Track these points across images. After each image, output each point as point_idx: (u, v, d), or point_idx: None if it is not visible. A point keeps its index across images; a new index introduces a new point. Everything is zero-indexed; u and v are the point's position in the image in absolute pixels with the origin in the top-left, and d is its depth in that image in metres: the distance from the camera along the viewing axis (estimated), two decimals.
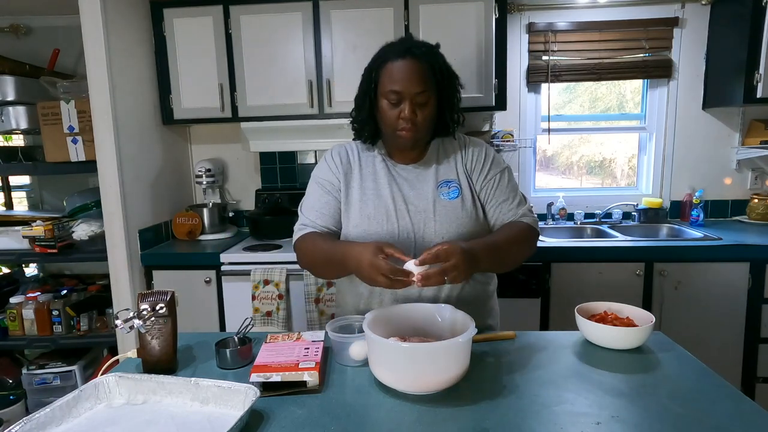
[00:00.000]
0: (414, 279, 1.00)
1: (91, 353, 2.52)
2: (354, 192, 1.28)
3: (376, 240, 1.16)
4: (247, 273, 2.18)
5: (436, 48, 1.24)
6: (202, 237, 2.58)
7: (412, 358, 0.93)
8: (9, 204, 2.89)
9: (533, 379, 0.99)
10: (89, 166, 2.21)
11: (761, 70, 2.26)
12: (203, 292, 2.28)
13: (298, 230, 1.31)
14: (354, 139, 1.35)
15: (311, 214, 1.30)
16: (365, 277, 1.04)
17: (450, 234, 1.22)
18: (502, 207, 1.27)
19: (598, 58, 2.62)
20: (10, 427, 0.80)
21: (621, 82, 2.79)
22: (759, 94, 2.27)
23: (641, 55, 2.63)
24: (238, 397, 0.90)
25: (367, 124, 1.27)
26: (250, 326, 1.19)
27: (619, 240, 2.35)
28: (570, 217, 2.73)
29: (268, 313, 2.17)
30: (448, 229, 1.22)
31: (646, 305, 2.18)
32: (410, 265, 1.01)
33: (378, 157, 1.31)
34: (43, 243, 2.27)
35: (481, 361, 1.08)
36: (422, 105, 1.18)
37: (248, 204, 2.87)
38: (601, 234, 2.54)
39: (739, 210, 2.71)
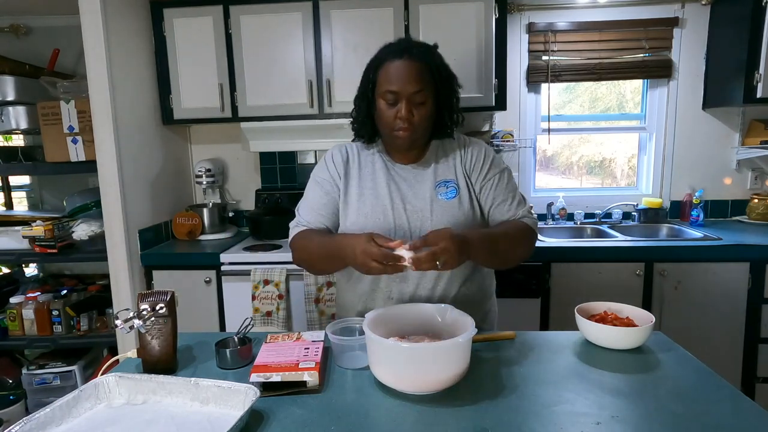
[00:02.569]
0: (406, 263, 1.01)
1: (91, 353, 2.52)
2: (352, 191, 1.29)
3: None
4: (247, 273, 2.18)
5: (434, 48, 1.24)
6: (202, 237, 2.58)
7: (412, 358, 0.93)
8: (9, 204, 2.89)
9: (533, 379, 0.99)
10: (89, 166, 2.21)
11: (761, 70, 2.26)
12: (203, 292, 2.28)
13: (293, 228, 1.33)
14: (354, 140, 1.35)
15: (308, 215, 1.31)
16: (359, 264, 1.05)
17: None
18: (501, 207, 1.28)
19: (598, 58, 2.62)
20: (10, 427, 0.80)
21: (621, 82, 2.79)
22: (759, 94, 2.28)
23: (641, 55, 2.63)
24: (238, 397, 0.90)
25: (365, 125, 1.28)
26: (250, 326, 1.19)
27: (619, 240, 2.35)
28: (570, 217, 2.73)
29: (268, 313, 2.17)
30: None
31: (646, 305, 2.18)
32: (402, 251, 1.03)
33: (377, 157, 1.31)
34: (43, 243, 2.27)
35: (481, 361, 1.08)
36: (419, 104, 1.18)
37: (248, 204, 2.87)
38: (601, 234, 2.54)
39: (739, 210, 2.71)
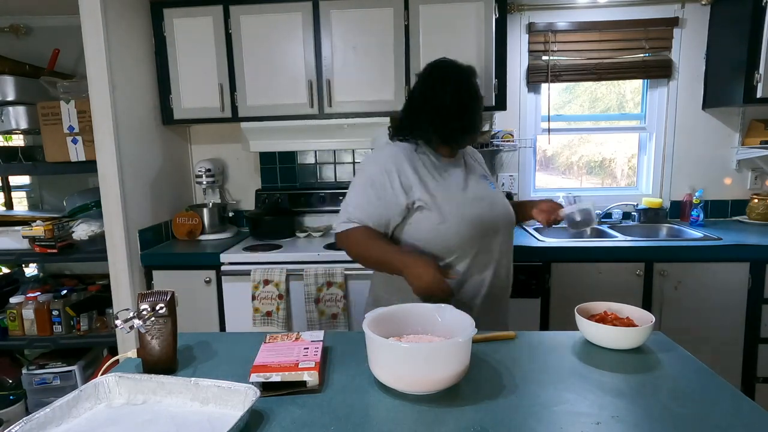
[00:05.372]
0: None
1: (91, 353, 2.52)
2: (431, 185, 1.37)
3: (472, 219, 1.34)
4: (247, 273, 2.18)
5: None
6: (202, 237, 2.58)
7: (412, 358, 0.92)
8: (9, 204, 2.89)
9: (533, 379, 0.99)
10: (89, 166, 2.21)
11: (761, 70, 2.26)
12: (203, 292, 2.28)
13: (345, 223, 1.37)
14: (399, 140, 1.44)
15: (359, 214, 1.36)
16: (422, 288, 1.23)
17: (510, 213, 1.46)
18: None
19: (598, 58, 2.62)
20: (10, 427, 0.80)
21: (621, 82, 2.79)
22: (759, 94, 2.28)
23: (641, 55, 2.63)
24: (238, 397, 0.90)
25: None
26: None
27: (619, 240, 2.35)
28: None
29: (268, 313, 2.17)
30: (508, 208, 1.46)
31: (646, 305, 2.18)
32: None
33: (431, 155, 1.43)
34: (43, 243, 2.27)
35: (481, 361, 1.08)
36: None
37: (248, 204, 2.87)
38: (601, 234, 2.53)
39: (739, 210, 2.71)
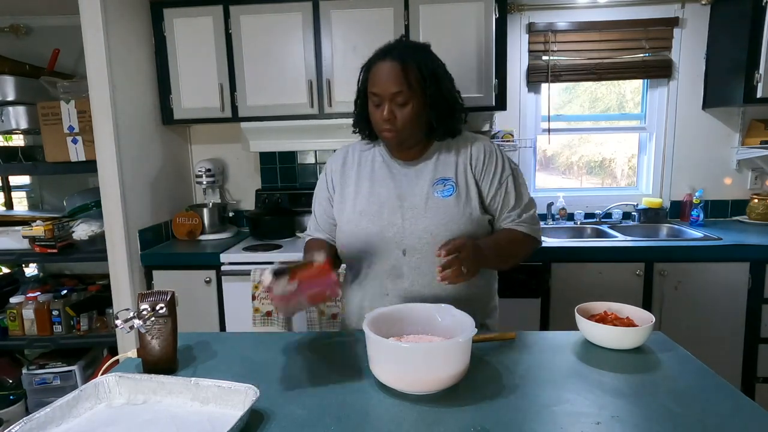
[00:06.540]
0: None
1: (91, 353, 2.52)
2: (349, 190, 1.31)
3: (366, 235, 1.25)
4: (247, 273, 2.18)
5: (423, 47, 1.24)
6: (202, 237, 2.58)
7: (412, 358, 0.92)
8: (9, 204, 2.89)
9: (533, 379, 0.99)
10: (89, 166, 2.21)
11: (761, 70, 2.26)
12: (203, 292, 2.28)
13: (305, 235, 1.46)
14: (361, 138, 1.37)
15: (312, 224, 1.42)
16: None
17: (440, 230, 1.21)
18: (508, 214, 1.29)
19: (598, 58, 2.62)
20: (10, 427, 0.80)
21: (621, 82, 2.79)
22: (759, 94, 2.27)
23: (641, 55, 2.63)
24: (238, 397, 0.90)
25: (361, 125, 1.32)
26: None
27: (619, 240, 2.35)
28: (570, 217, 2.73)
29: (268, 313, 2.17)
30: (438, 226, 1.21)
31: (646, 305, 2.18)
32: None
33: (378, 157, 1.33)
34: (43, 243, 2.27)
35: (481, 361, 1.08)
36: (401, 105, 1.18)
37: (248, 204, 2.87)
38: (601, 234, 2.54)
39: (739, 210, 2.71)
